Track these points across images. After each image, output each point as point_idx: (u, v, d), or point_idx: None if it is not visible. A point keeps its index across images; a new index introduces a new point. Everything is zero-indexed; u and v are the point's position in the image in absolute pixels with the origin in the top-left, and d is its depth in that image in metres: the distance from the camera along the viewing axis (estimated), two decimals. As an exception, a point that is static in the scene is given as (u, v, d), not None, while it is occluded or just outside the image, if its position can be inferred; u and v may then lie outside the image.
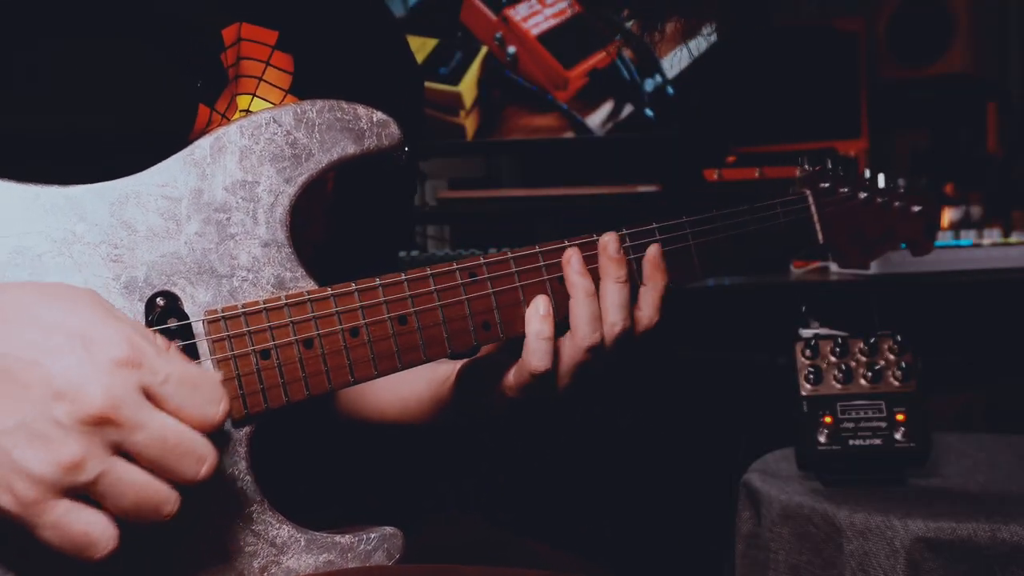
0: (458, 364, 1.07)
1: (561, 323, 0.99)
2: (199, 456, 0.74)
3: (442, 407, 1.09)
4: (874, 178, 1.28)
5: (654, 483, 2.29)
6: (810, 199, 1.20)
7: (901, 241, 1.29)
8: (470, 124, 2.43)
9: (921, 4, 2.71)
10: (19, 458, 0.69)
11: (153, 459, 0.72)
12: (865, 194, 1.25)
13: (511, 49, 2.38)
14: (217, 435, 0.78)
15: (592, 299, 0.97)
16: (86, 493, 0.71)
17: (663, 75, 2.36)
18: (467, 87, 2.40)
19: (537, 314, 0.96)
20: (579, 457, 2.31)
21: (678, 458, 2.27)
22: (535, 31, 2.37)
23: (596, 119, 2.40)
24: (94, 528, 0.71)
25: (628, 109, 2.39)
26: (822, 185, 1.22)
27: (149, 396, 0.73)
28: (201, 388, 0.75)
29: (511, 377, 0.99)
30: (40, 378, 0.70)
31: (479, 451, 2.26)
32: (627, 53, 2.33)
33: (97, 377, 0.70)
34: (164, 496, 0.73)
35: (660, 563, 2.27)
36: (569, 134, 2.41)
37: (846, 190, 1.24)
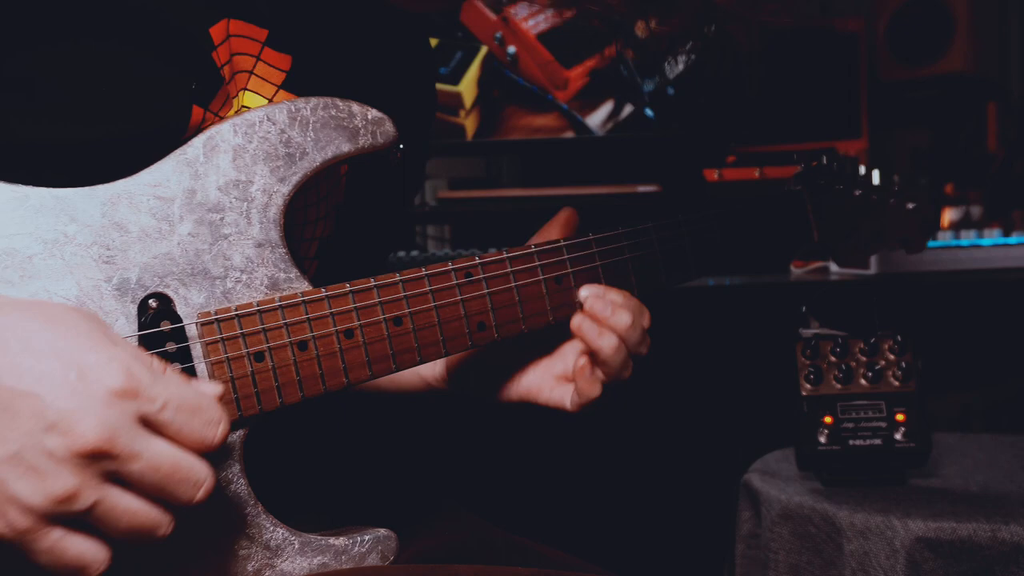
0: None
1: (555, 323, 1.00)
2: (195, 481, 0.74)
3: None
4: (869, 176, 1.27)
5: (654, 483, 2.29)
6: (805, 196, 1.19)
7: (896, 239, 1.29)
8: (470, 124, 2.42)
9: (921, 4, 2.69)
10: (13, 488, 0.69)
11: (149, 486, 0.72)
12: (860, 191, 1.24)
13: (511, 49, 2.37)
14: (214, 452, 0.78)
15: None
16: (80, 519, 0.71)
17: (663, 75, 2.36)
18: (467, 87, 2.40)
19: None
20: (578, 456, 2.30)
21: (678, 458, 2.26)
22: (535, 31, 2.37)
23: (596, 119, 2.39)
24: (87, 553, 0.72)
25: (628, 109, 2.38)
26: (818, 183, 1.21)
27: (147, 423, 0.72)
28: (199, 411, 0.75)
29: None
30: (34, 408, 0.69)
31: (476, 450, 2.26)
32: (627, 53, 2.33)
33: (92, 409, 0.70)
34: (158, 521, 0.73)
35: (660, 563, 2.27)
36: (569, 134, 2.41)
37: (841, 187, 1.23)
